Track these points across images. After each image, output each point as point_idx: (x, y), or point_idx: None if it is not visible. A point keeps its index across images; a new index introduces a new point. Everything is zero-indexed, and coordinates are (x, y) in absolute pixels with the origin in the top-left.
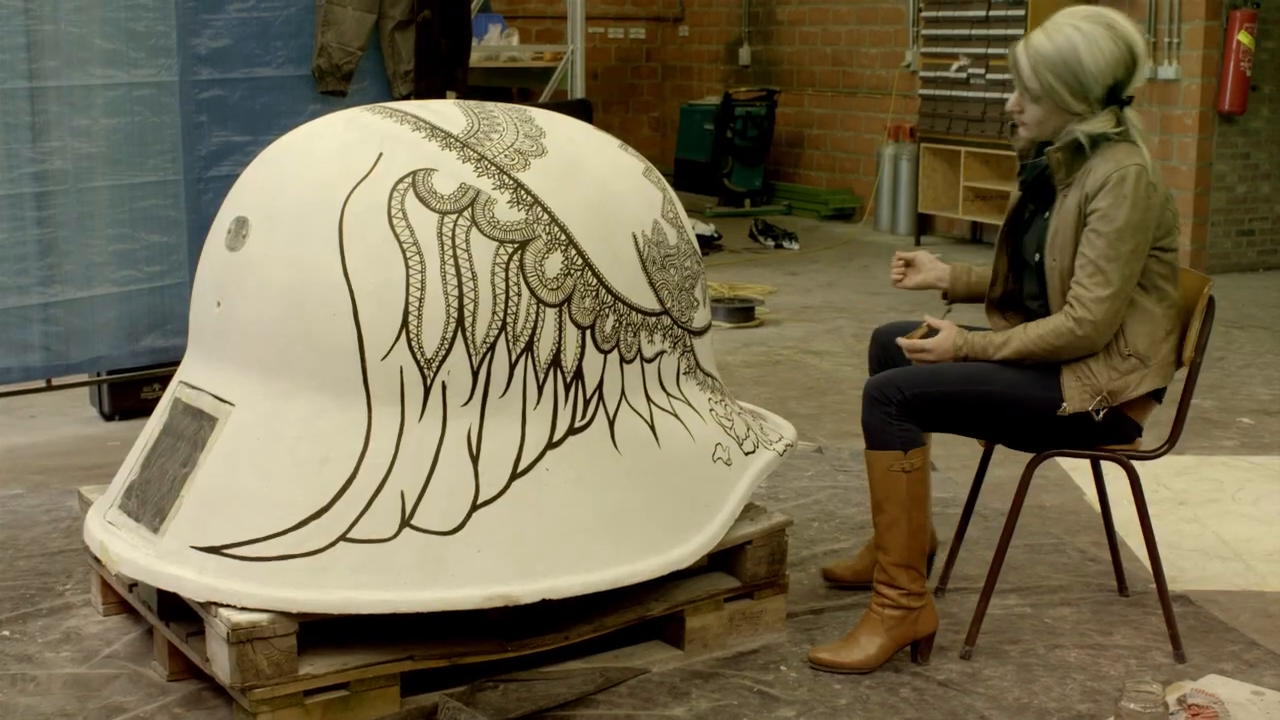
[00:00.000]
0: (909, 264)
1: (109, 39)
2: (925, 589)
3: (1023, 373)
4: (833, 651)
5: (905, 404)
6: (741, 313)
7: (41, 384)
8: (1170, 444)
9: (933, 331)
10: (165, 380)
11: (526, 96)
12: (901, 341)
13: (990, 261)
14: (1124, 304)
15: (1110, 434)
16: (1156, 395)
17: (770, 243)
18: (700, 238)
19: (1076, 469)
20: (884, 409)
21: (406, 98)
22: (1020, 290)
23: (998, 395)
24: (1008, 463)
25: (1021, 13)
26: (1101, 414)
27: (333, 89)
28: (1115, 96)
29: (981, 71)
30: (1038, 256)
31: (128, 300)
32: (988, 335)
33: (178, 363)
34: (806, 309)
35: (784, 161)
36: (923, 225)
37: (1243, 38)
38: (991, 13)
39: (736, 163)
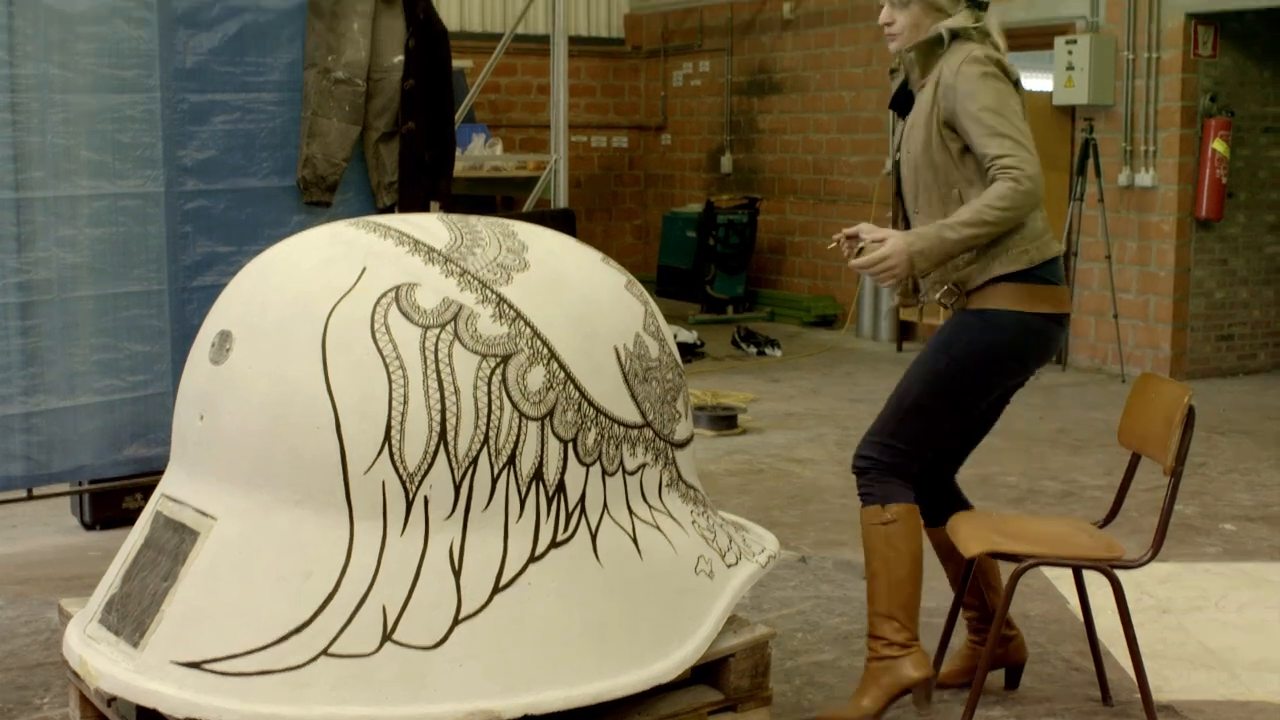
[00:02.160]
0: (853, 238)
1: (95, 150)
2: (911, 640)
3: (923, 358)
4: (836, 709)
5: (877, 460)
6: (724, 420)
7: (22, 494)
8: (1153, 553)
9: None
10: (147, 490)
11: (510, 205)
12: (855, 264)
13: None
14: (1035, 153)
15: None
16: (1053, 278)
17: (753, 350)
18: (683, 345)
19: (1060, 578)
20: (864, 474)
21: (390, 208)
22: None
23: (929, 384)
24: None
25: None
26: (953, 303)
27: (317, 200)
28: None
29: None
30: (898, 154)
31: (110, 409)
32: (937, 222)
33: (160, 472)
34: (789, 416)
35: (766, 268)
36: (904, 331)
37: (1218, 145)
38: None
39: (719, 270)
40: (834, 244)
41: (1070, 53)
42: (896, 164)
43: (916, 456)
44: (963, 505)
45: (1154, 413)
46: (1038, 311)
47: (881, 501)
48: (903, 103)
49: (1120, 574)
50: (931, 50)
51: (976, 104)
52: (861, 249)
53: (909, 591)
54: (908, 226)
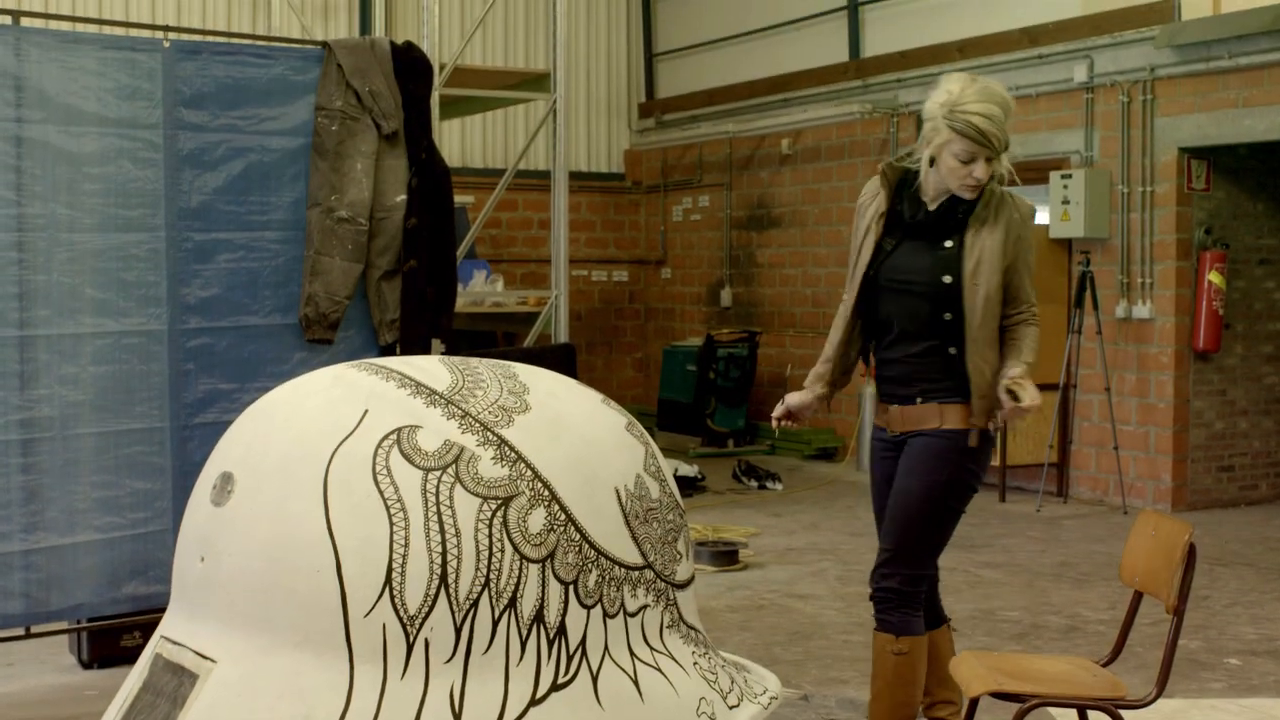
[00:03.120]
0: (791, 415)
1: (100, 288)
2: None
3: (920, 475)
4: None
5: (896, 591)
6: (725, 556)
7: (20, 631)
8: (1158, 691)
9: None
10: (146, 628)
11: (511, 340)
12: (1025, 406)
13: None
14: None
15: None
16: None
17: (754, 483)
18: (684, 479)
19: (1065, 716)
20: (883, 604)
21: (392, 346)
22: (880, 323)
23: (929, 508)
24: (996, 709)
25: None
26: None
27: (319, 337)
28: None
29: None
30: (947, 279)
31: (110, 547)
32: (1022, 361)
33: (160, 610)
34: (790, 551)
35: (767, 401)
36: None
37: (1213, 277)
38: None
39: (719, 403)
40: (778, 426)
41: (1066, 186)
42: (872, 280)
43: (926, 578)
44: (941, 614)
45: (1155, 551)
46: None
47: (897, 632)
48: (924, 228)
49: (1125, 713)
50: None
51: (1031, 257)
52: (1013, 392)
53: (906, 714)
54: (869, 349)
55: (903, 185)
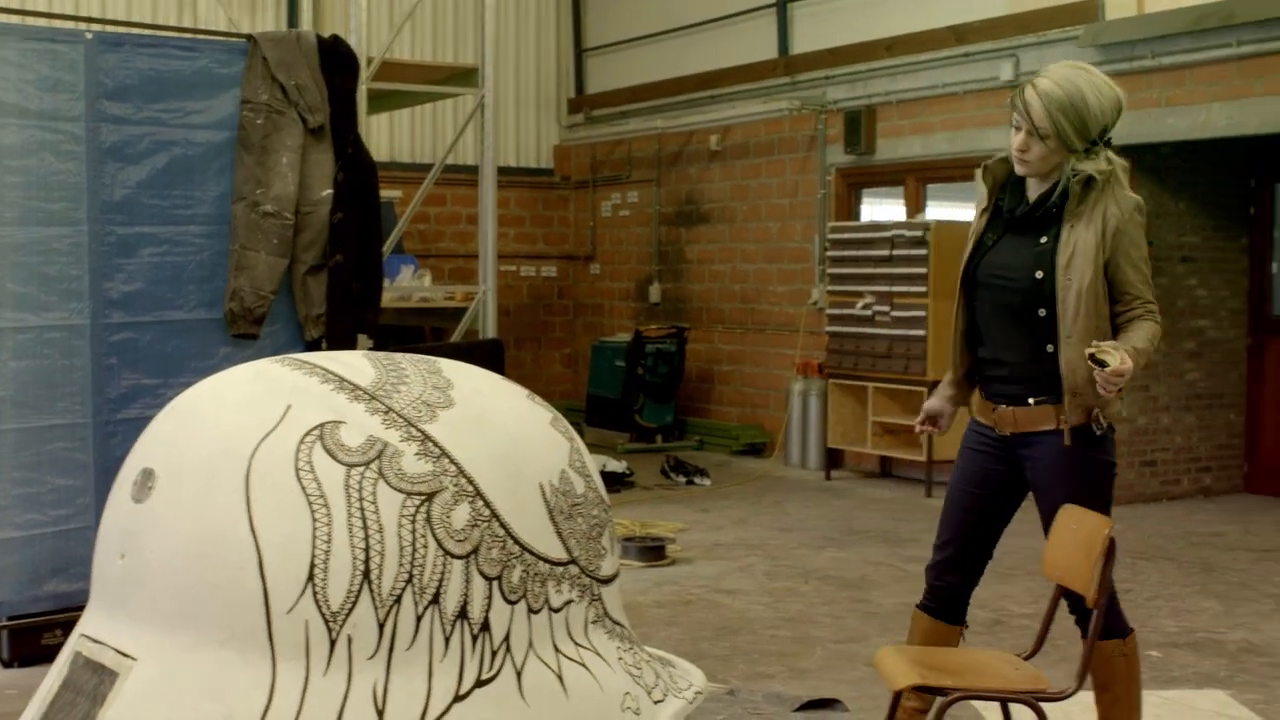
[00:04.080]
0: (932, 421)
1: (21, 283)
2: None
3: (1067, 484)
4: None
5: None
6: (653, 551)
7: None
8: (1078, 684)
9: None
10: (67, 626)
11: (439, 335)
12: (1113, 370)
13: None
14: None
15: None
16: None
17: (682, 479)
18: (612, 474)
19: (988, 709)
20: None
21: (318, 341)
22: (982, 320)
23: (1103, 508)
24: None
25: (924, 252)
26: (1101, 430)
27: (244, 332)
28: (1102, 137)
29: (886, 309)
30: (1039, 274)
31: (31, 544)
32: (1131, 346)
33: (81, 607)
34: (718, 546)
35: (695, 397)
36: (832, 460)
37: None
38: (895, 252)
39: (648, 399)
40: (922, 432)
41: None
42: (971, 276)
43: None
44: (963, 615)
45: (1075, 546)
46: None
47: (1122, 635)
48: (1016, 222)
49: (1046, 706)
50: (1086, 189)
51: (1139, 252)
52: (1099, 359)
53: (1140, 707)
54: (974, 354)
55: (1008, 181)
